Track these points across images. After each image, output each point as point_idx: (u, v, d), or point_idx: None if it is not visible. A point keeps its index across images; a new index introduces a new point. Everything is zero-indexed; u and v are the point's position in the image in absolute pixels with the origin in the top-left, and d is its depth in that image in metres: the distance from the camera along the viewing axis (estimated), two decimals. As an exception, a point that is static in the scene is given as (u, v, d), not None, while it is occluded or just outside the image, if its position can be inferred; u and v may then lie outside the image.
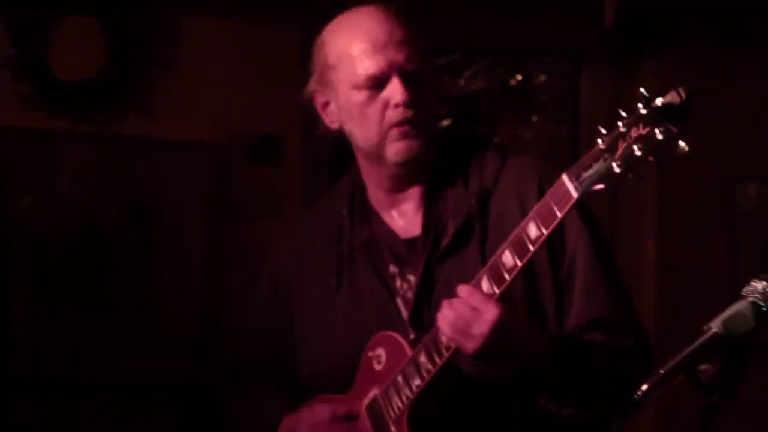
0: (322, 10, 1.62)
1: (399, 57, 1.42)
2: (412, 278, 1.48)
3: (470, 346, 1.29)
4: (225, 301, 2.97)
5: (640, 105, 1.13)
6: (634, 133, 1.14)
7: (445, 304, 1.33)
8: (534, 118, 3.67)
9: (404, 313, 1.47)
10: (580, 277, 1.42)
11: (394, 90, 1.42)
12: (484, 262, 1.38)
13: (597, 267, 1.43)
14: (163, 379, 2.91)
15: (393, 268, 1.50)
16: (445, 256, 1.46)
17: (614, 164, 1.16)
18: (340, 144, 1.55)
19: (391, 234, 1.52)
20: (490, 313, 1.28)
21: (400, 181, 1.51)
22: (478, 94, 3.60)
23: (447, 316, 1.32)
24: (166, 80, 3.03)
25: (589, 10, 3.02)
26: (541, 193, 1.33)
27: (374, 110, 1.44)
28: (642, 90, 1.13)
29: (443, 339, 1.35)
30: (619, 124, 1.16)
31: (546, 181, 1.36)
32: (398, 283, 1.49)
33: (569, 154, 3.36)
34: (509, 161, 1.50)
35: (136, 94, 3.01)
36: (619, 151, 1.15)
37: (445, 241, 1.45)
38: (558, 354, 1.35)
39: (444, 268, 1.45)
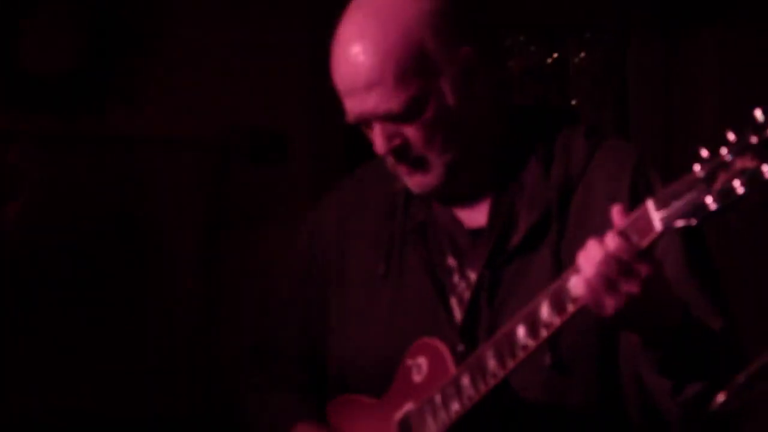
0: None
1: (367, 104, 1.26)
2: (472, 275, 1.32)
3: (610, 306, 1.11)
4: (224, 315, 2.73)
5: (751, 132, 0.97)
6: (739, 164, 0.98)
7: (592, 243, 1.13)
8: (573, 102, 3.34)
9: (457, 317, 1.32)
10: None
11: (373, 141, 1.28)
12: (557, 266, 1.25)
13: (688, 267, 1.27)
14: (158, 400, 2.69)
15: (451, 261, 1.34)
16: (513, 254, 1.30)
17: (709, 198, 1.00)
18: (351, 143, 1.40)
19: (454, 220, 1.36)
20: (645, 269, 1.10)
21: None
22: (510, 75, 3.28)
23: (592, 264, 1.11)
24: (154, 71, 2.75)
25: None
26: (633, 198, 1.21)
27: (374, 147, 1.31)
28: (758, 113, 0.96)
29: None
30: (723, 151, 0.99)
31: (641, 185, 1.25)
32: (455, 279, 1.34)
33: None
34: (602, 148, 1.32)
35: (118, 86, 2.74)
36: (718, 185, 1.00)
37: (516, 237, 1.29)
38: (686, 324, 1.18)
39: (511, 268, 1.30)
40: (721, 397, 0.90)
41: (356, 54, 1.26)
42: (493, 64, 1.39)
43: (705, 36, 3.01)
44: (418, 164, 1.29)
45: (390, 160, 1.30)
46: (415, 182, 1.31)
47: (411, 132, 1.27)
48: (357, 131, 1.36)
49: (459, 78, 1.28)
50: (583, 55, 3.30)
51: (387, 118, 1.26)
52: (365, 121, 1.30)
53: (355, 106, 1.28)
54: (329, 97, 1.37)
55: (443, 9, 1.28)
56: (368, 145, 1.35)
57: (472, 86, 1.30)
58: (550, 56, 3.28)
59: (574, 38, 3.28)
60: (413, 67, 1.25)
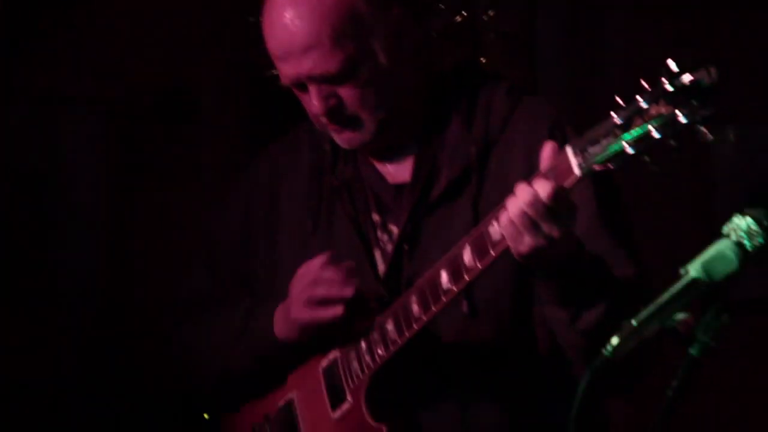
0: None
1: (303, 67, 1.32)
2: (395, 229, 1.39)
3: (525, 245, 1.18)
4: (133, 278, 2.72)
5: (664, 79, 1.02)
6: (654, 111, 1.04)
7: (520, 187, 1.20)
8: (483, 60, 3.30)
9: (381, 268, 1.40)
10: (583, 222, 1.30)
11: (310, 101, 1.35)
12: (476, 217, 1.31)
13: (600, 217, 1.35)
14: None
15: (375, 216, 1.42)
16: (434, 207, 1.36)
17: (626, 144, 1.06)
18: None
19: (378, 177, 1.43)
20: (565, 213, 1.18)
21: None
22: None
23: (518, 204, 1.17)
24: (61, 32, 2.71)
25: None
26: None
27: (308, 107, 1.38)
28: (670, 62, 1.02)
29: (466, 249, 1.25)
30: (638, 98, 1.05)
31: (558, 138, 1.26)
32: (379, 233, 1.41)
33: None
34: (522, 105, 1.39)
35: (26, 47, 2.68)
36: (634, 130, 1.06)
37: (437, 190, 1.36)
38: (580, 254, 1.26)
39: (431, 221, 1.37)
40: (614, 340, 0.94)
41: (291, 18, 1.31)
42: (421, 25, 1.43)
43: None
44: (351, 122, 1.35)
45: (323, 120, 1.35)
46: (346, 138, 1.37)
47: (345, 92, 1.33)
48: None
49: (390, 38, 1.35)
50: (492, 13, 3.34)
51: (323, 79, 1.32)
52: (301, 84, 1.34)
53: (291, 69, 1.33)
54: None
55: None
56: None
57: (403, 46, 1.36)
58: (460, 14, 3.31)
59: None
60: (347, 29, 1.32)
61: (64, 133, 2.74)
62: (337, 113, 1.34)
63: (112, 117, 2.75)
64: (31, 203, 2.69)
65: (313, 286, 1.33)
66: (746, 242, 0.93)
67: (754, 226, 0.93)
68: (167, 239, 2.65)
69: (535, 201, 1.14)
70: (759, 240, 0.93)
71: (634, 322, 0.93)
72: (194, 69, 2.77)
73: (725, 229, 0.94)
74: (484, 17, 3.32)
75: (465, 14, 3.28)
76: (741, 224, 0.94)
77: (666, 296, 0.94)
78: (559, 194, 1.15)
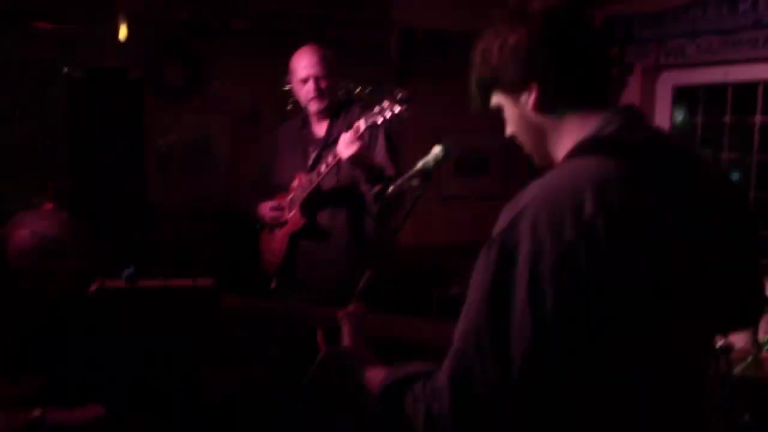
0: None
1: (312, 72, 3.24)
2: (315, 152, 3.28)
3: (347, 153, 2.92)
4: None
5: (396, 96, 2.81)
6: (388, 105, 2.81)
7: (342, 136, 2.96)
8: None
9: (309, 162, 3.29)
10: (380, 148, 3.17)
11: (310, 88, 3.26)
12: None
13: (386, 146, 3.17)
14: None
15: (311, 148, 3.31)
16: (331, 144, 3.13)
17: (380, 117, 2.85)
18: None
19: (315, 131, 3.35)
20: (357, 143, 2.93)
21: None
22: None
23: (344, 137, 2.93)
24: None
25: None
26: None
27: (303, 91, 3.28)
28: (397, 91, 2.81)
29: (332, 156, 3.03)
30: (386, 100, 2.83)
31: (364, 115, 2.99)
32: (310, 150, 3.31)
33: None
34: (358, 106, 3.29)
35: None
36: (386, 110, 2.83)
37: (333, 138, 3.15)
38: (374, 161, 3.10)
39: (328, 150, 3.14)
40: (390, 188, 2.13)
41: (313, 53, 3.24)
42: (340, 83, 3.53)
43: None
44: (323, 96, 3.22)
45: (313, 94, 3.22)
46: (319, 104, 3.23)
47: (324, 84, 3.22)
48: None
49: (333, 76, 3.26)
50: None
51: (320, 78, 3.22)
52: (308, 79, 3.22)
53: (309, 73, 3.20)
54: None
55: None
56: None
57: (335, 82, 3.30)
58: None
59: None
60: (329, 66, 3.24)
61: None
62: (322, 92, 3.23)
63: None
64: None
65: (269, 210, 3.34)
66: (440, 154, 1.99)
67: (440, 150, 2.01)
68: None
69: (350, 135, 2.92)
70: (441, 155, 1.99)
71: (399, 181, 2.03)
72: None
73: (436, 147, 2.00)
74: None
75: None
76: (437, 149, 2.01)
77: (414, 169, 2.01)
78: (356, 132, 2.89)
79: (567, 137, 1.32)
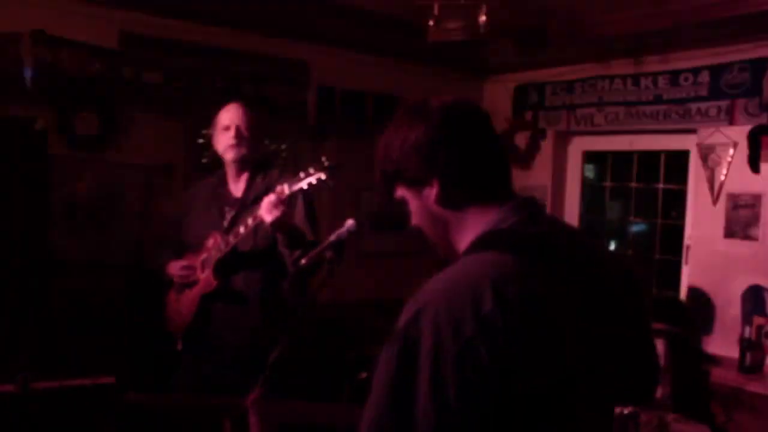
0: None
1: (237, 123, 3.23)
2: (233, 211, 3.21)
3: (269, 217, 2.90)
4: None
5: (321, 164, 2.82)
6: (315, 174, 2.81)
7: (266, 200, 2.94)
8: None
9: (226, 224, 3.21)
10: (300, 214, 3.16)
11: (229, 137, 3.24)
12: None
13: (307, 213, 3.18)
14: None
15: (227, 208, 3.24)
16: (249, 206, 3.14)
17: (305, 182, 2.85)
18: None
19: (232, 191, 3.29)
20: (280, 208, 2.92)
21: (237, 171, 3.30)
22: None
23: (268, 201, 2.91)
24: None
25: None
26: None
27: (223, 139, 3.26)
28: (323, 158, 2.80)
29: (252, 218, 3.01)
30: (311, 168, 2.84)
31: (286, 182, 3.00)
32: (226, 212, 3.23)
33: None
34: (277, 169, 3.34)
35: None
36: (312, 176, 2.82)
37: (251, 200, 3.15)
38: (294, 226, 3.09)
39: (248, 211, 3.10)
40: (303, 261, 2.32)
41: (239, 106, 3.26)
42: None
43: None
44: (242, 144, 3.18)
45: (233, 141, 3.18)
46: (237, 152, 3.19)
47: (246, 134, 3.19)
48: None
49: (257, 137, 3.26)
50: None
51: (242, 128, 3.20)
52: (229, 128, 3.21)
53: (232, 121, 3.19)
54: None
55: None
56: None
57: (260, 139, 3.27)
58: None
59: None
60: (250, 118, 3.24)
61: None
62: (242, 140, 3.20)
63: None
64: None
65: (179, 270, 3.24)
66: (352, 228, 2.30)
67: (353, 225, 2.28)
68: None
69: (274, 199, 2.88)
70: (354, 229, 2.28)
71: (313, 254, 2.26)
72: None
73: (348, 221, 2.29)
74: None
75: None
76: (350, 222, 2.29)
77: (327, 241, 2.27)
78: (280, 196, 2.87)
79: (469, 230, 1.35)
